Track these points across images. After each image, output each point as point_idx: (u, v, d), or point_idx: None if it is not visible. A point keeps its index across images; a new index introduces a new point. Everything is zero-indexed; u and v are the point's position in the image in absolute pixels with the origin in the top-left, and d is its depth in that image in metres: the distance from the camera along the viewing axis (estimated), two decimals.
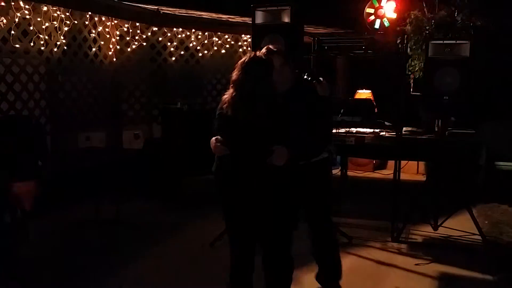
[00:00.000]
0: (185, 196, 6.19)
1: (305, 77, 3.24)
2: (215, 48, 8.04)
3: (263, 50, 2.99)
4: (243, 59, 2.88)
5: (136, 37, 7.21)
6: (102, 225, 5.10)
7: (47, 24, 5.78)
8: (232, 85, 2.86)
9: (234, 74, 2.84)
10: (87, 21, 6.42)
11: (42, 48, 5.75)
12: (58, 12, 5.90)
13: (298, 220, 3.25)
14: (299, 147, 2.87)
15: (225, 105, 2.84)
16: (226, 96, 2.87)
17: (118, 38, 7.00)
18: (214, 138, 2.90)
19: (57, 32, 5.92)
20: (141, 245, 4.59)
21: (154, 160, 6.42)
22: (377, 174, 7.76)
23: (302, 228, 3.31)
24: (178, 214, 5.63)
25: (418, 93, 6.64)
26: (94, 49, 6.58)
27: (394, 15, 7.30)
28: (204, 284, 3.75)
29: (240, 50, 8.27)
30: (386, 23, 7.35)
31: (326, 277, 3.32)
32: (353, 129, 5.43)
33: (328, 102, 3.28)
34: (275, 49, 3.00)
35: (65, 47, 6.08)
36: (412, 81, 7.34)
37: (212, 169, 2.96)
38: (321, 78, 3.23)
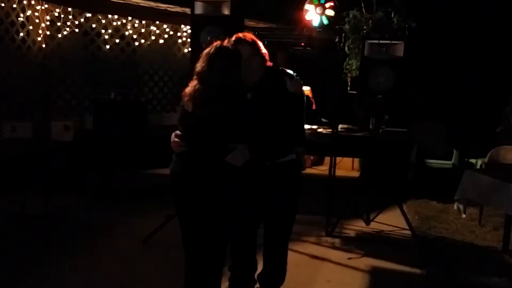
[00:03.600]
0: (119, 192, 5.95)
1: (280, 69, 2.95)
2: (153, 37, 7.83)
3: (232, 38, 2.77)
4: (208, 49, 2.64)
5: (68, 23, 6.87)
6: (27, 221, 4.80)
7: None
8: (195, 77, 2.62)
9: (199, 65, 2.62)
10: (15, 4, 6.06)
11: None
12: None
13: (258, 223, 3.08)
14: (262, 147, 2.67)
15: (186, 98, 2.61)
16: (189, 88, 2.64)
17: (48, 23, 6.63)
18: (174, 133, 2.70)
19: None
20: (70, 243, 4.36)
21: (85, 153, 6.14)
22: (314, 170, 7.85)
23: None
24: (111, 210, 5.40)
25: (355, 92, 6.77)
26: (22, 34, 6.19)
27: (332, 13, 7.38)
28: (134, 285, 3.59)
29: (180, 41, 8.11)
30: (325, 21, 7.42)
31: (268, 279, 3.17)
32: None
33: (298, 100, 2.92)
34: (244, 38, 2.79)
35: None
36: (349, 79, 7.47)
37: (169, 167, 2.71)
38: (294, 74, 2.93)
